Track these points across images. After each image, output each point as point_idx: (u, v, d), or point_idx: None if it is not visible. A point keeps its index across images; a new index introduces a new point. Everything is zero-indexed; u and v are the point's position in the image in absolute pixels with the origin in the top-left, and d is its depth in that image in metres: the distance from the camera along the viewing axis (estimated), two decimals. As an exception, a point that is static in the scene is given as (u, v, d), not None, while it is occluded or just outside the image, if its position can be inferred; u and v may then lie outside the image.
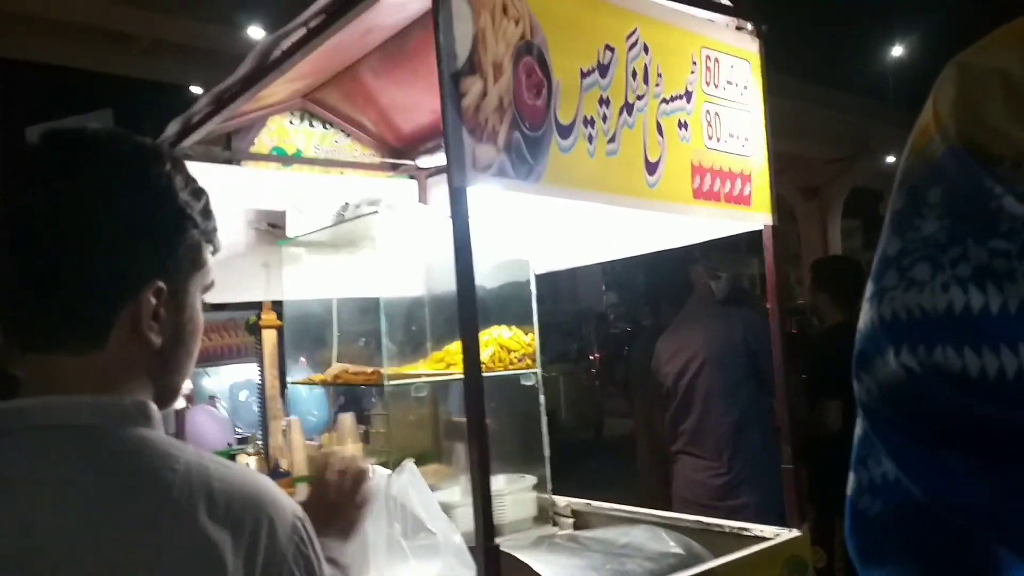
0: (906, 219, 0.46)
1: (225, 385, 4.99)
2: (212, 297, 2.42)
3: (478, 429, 1.21)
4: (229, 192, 2.38)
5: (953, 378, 0.41)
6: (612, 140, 1.41)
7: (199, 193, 0.86)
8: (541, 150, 1.29)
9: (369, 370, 2.08)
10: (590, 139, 1.37)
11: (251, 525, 0.71)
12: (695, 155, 1.56)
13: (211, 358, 5.06)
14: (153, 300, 0.77)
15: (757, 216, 1.68)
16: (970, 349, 0.41)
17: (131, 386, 0.77)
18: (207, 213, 0.87)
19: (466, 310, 1.24)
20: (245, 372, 4.24)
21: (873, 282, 0.47)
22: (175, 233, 0.81)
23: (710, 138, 1.59)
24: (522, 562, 1.48)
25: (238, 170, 2.48)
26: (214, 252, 0.89)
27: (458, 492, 2.13)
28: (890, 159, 11.49)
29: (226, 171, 2.45)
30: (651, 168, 1.48)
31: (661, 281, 3.04)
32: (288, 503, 0.76)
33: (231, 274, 2.34)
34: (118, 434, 0.74)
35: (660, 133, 1.49)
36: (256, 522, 0.71)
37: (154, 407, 0.78)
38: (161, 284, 0.78)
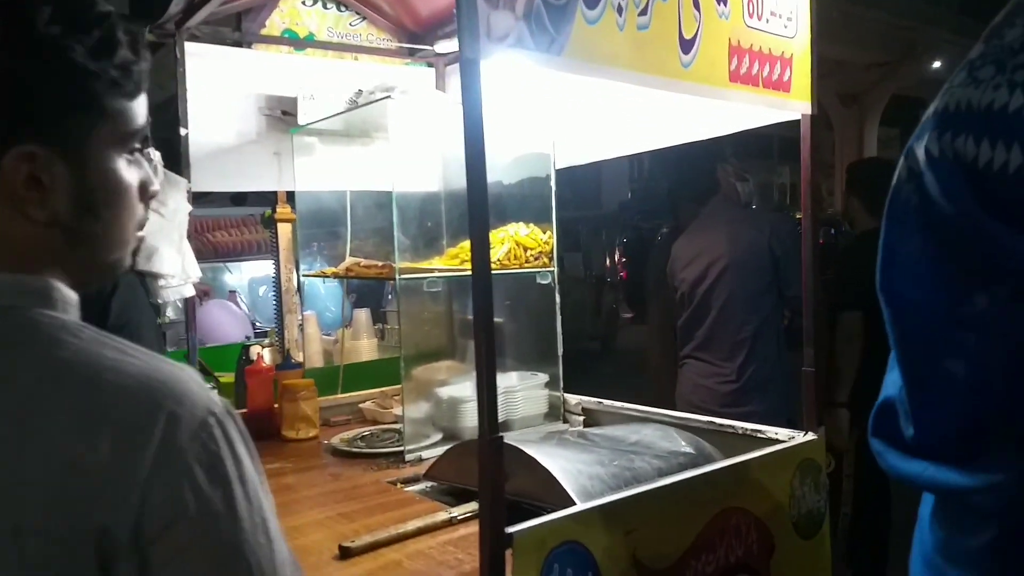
0: (998, 29, 0.48)
1: (245, 281, 5.03)
2: (221, 185, 2.37)
3: (485, 324, 1.16)
4: (238, 76, 2.28)
5: (962, 167, 0.46)
6: (644, 12, 1.29)
7: (91, 22, 0.67)
8: (564, 19, 1.18)
9: (380, 264, 2.04)
10: (619, 10, 1.25)
11: (141, 420, 0.61)
12: (733, 33, 1.43)
13: (231, 254, 5.07)
14: (24, 168, 0.64)
15: (796, 104, 1.56)
16: (987, 141, 0.46)
17: (38, 266, 0.68)
18: (108, 47, 0.67)
19: (476, 199, 1.16)
20: (265, 268, 4.24)
21: (947, 82, 0.51)
22: (46, 83, 0.64)
23: (750, 15, 1.45)
24: (527, 455, 1.47)
25: (248, 53, 2.37)
26: (133, 93, 0.71)
27: (469, 388, 2.11)
28: (936, 64, 10.87)
29: (235, 54, 2.34)
30: (686, 46, 1.36)
31: (686, 179, 2.90)
32: (204, 398, 0.65)
33: (241, 162, 2.28)
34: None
35: (696, 7, 1.36)
36: (149, 417, 0.61)
37: (61, 288, 0.68)
38: (32, 148, 0.64)
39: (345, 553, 1.30)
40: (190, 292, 2.06)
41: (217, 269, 5.24)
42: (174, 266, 1.98)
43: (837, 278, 2.80)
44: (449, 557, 1.29)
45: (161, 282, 1.97)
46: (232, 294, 4.81)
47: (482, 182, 1.14)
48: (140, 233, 0.76)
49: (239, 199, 5.46)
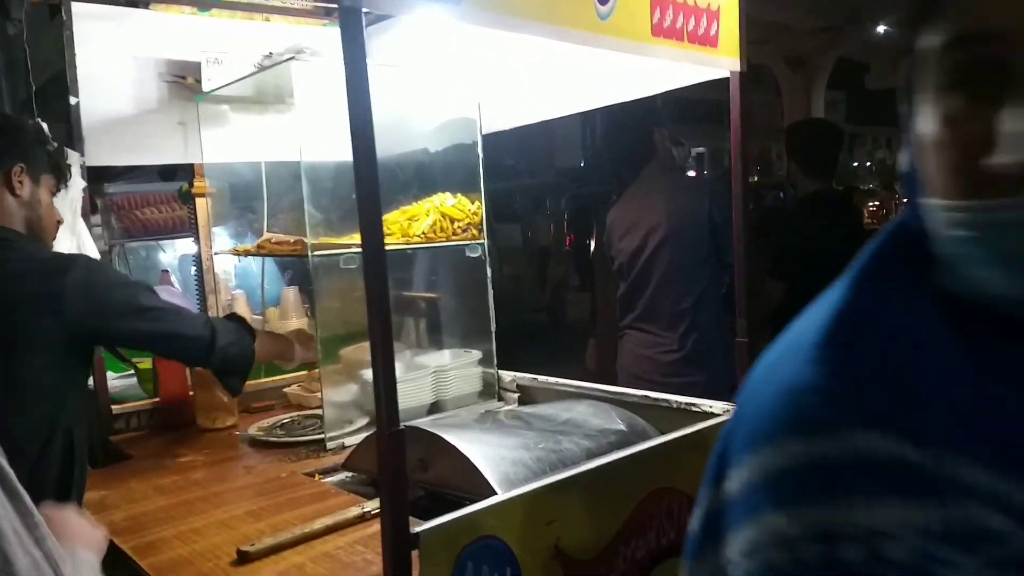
0: None
1: (176, 259, 4.80)
2: (119, 158, 2.19)
3: (379, 307, 1.05)
4: (134, 39, 2.09)
5: None
6: (551, -42, 1.17)
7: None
8: (459, -36, 1.06)
9: (293, 240, 1.90)
10: (523, -44, 1.13)
11: None
12: (653, -17, 1.32)
13: (162, 231, 4.83)
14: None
15: (724, 60, 1.46)
16: None
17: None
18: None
19: (364, 169, 1.05)
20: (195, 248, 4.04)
21: None
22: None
23: (671, -37, 1.35)
24: (447, 442, 1.37)
25: (145, 14, 2.17)
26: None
27: (400, 367, 2.00)
28: (880, 28, 10.96)
29: (130, 15, 2.14)
30: (600, -4, 1.25)
31: (624, 144, 2.79)
32: None
33: (142, 133, 2.11)
34: None
35: (610, -47, 1.25)
36: None
37: None
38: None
39: (243, 558, 1.19)
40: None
41: (149, 248, 4.99)
42: (68, 246, 1.81)
43: (775, 244, 2.76)
44: (357, 558, 1.19)
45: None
46: (165, 274, 4.58)
47: (368, 149, 1.03)
48: None
49: (168, 174, 5.19)
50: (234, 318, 1.75)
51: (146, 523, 1.38)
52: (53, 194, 1.55)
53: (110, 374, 2.18)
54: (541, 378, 2.03)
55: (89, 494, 1.50)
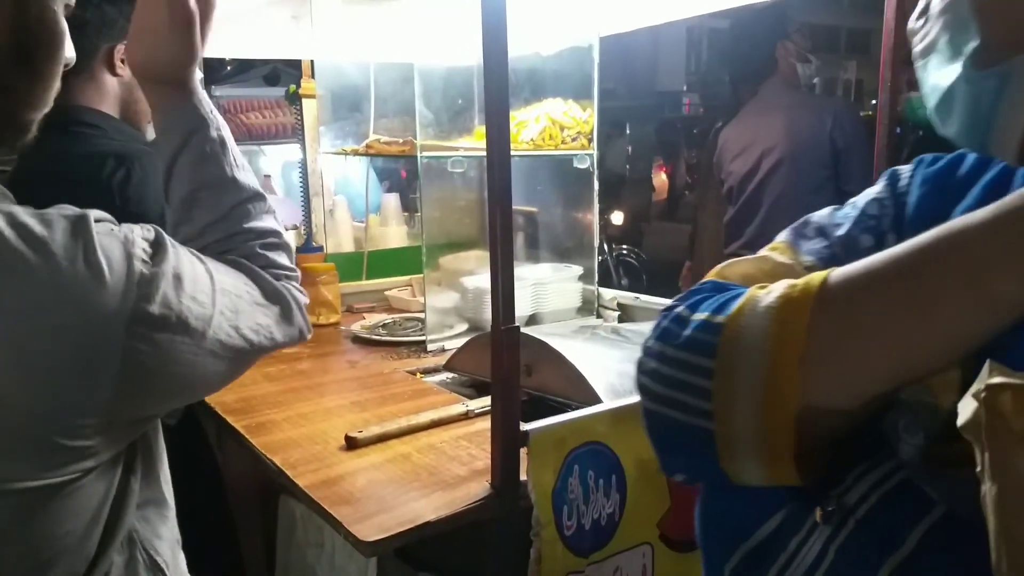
0: None
1: (279, 165, 4.91)
2: (232, 50, 2.19)
3: (502, 205, 1.02)
4: (252, -71, 2.06)
5: None
6: None
7: None
8: None
9: (402, 140, 1.88)
10: None
11: None
12: None
13: (265, 136, 4.93)
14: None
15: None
16: None
17: None
18: None
19: (493, 62, 0.99)
20: (299, 152, 4.12)
21: None
22: None
23: None
24: (553, 349, 1.35)
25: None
26: None
27: (499, 278, 1.99)
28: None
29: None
30: None
31: (743, 57, 2.61)
32: None
33: (257, 25, 2.10)
34: None
35: None
36: None
37: None
38: None
39: (351, 444, 1.22)
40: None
41: (252, 152, 5.11)
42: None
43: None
44: (462, 452, 1.20)
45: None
46: (267, 179, 4.70)
47: (502, 44, 0.97)
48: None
49: (272, 79, 5.27)
50: None
51: (256, 405, 1.43)
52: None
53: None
54: (643, 297, 1.98)
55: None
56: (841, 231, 0.63)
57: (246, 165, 0.87)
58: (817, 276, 0.50)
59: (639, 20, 1.94)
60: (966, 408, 0.40)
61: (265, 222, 0.85)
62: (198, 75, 0.85)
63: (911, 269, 0.47)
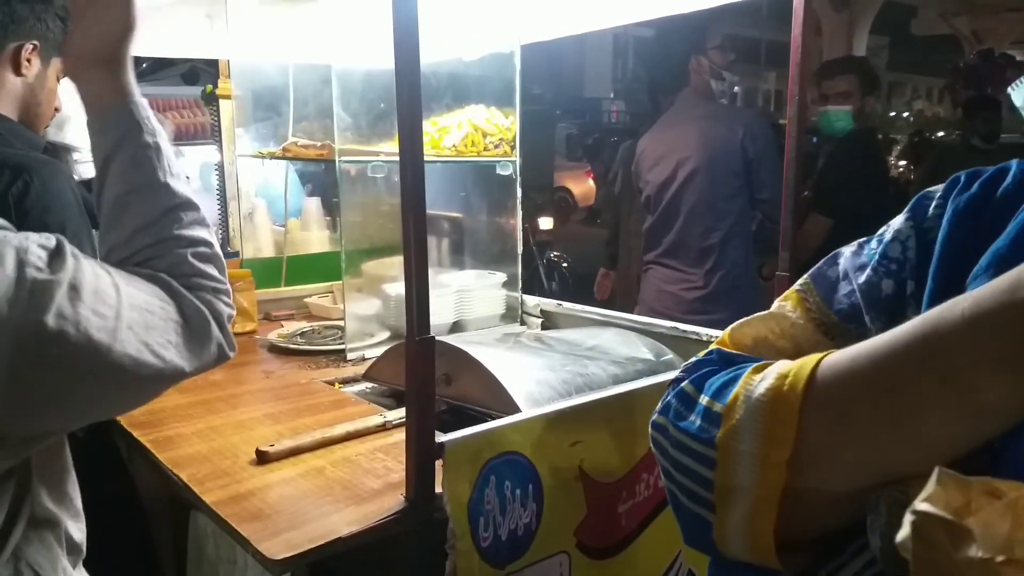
0: None
1: (196, 166, 4.75)
2: (143, 48, 2.11)
3: (415, 209, 1.00)
4: (162, -78, 1.98)
5: None
6: None
7: None
8: None
9: (320, 144, 1.84)
10: None
11: None
12: None
13: (183, 137, 4.75)
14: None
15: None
16: None
17: None
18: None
19: (405, 63, 0.98)
20: (216, 154, 3.98)
21: None
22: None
23: None
24: (472, 357, 1.34)
25: None
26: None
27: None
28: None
29: None
30: None
31: (660, 70, 2.67)
32: None
33: (169, 24, 2.02)
34: None
35: None
36: None
37: None
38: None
39: (262, 458, 1.18)
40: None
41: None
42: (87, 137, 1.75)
43: (815, 183, 2.69)
44: (377, 465, 1.18)
45: (75, 155, 1.75)
46: (185, 179, 4.54)
47: (413, 48, 0.96)
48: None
49: (191, 78, 5.09)
50: None
51: (164, 418, 1.37)
52: (59, 79, 1.39)
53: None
54: (567, 304, 1.99)
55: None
56: (863, 276, 0.60)
57: (181, 173, 0.85)
58: (806, 368, 0.49)
59: (559, 29, 1.96)
60: (904, 525, 0.37)
61: (196, 231, 0.84)
62: (132, 74, 0.85)
63: (894, 372, 0.45)
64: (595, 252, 6.25)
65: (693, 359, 0.62)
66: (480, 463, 1.05)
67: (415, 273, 1.00)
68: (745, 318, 0.64)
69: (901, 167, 5.95)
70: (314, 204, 2.78)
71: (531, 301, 2.08)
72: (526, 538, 1.11)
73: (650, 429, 0.60)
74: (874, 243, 0.62)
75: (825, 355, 0.50)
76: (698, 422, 0.55)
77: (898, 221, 0.60)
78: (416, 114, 1.00)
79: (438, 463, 1.02)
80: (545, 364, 1.40)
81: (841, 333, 0.59)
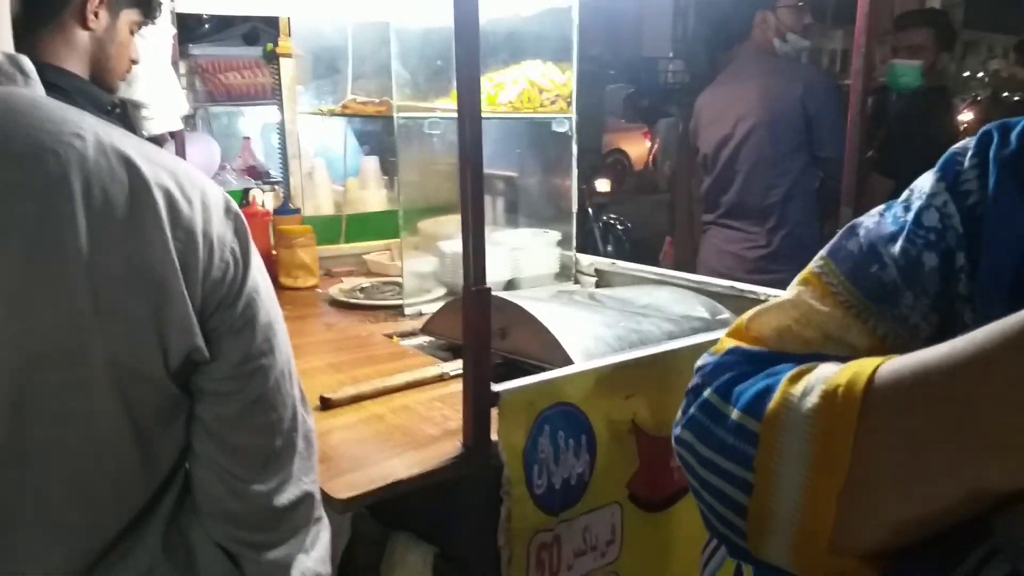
0: None
1: (258, 127, 4.84)
2: (209, 5, 2.14)
3: (473, 162, 1.01)
4: None
5: None
6: None
7: None
8: None
9: (378, 100, 1.86)
10: None
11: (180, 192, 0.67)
12: None
13: (244, 97, 4.84)
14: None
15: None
16: None
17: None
18: None
19: (464, 19, 0.97)
20: (277, 114, 4.05)
21: None
22: None
23: None
24: (527, 312, 1.36)
25: None
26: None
27: (477, 242, 1.98)
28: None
29: None
30: None
31: (720, 21, 2.59)
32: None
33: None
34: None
35: None
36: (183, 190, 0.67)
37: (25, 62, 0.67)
38: None
39: (326, 404, 1.22)
40: (177, 126, 1.91)
41: (231, 113, 5.02)
42: (158, 95, 1.81)
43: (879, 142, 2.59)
44: (435, 413, 1.21)
45: (144, 112, 1.81)
46: (246, 140, 4.63)
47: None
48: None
49: (251, 38, 5.17)
50: None
51: (233, 366, 1.43)
52: (133, 32, 1.39)
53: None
54: (620, 263, 1.99)
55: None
56: (896, 248, 0.52)
57: None
58: (860, 379, 0.43)
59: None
60: None
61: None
62: None
63: (964, 390, 0.38)
64: (653, 216, 6.19)
65: (708, 359, 0.56)
66: (535, 413, 1.07)
67: (472, 224, 1.02)
68: (761, 306, 0.58)
69: (966, 124, 5.67)
70: (372, 163, 2.82)
71: (585, 260, 2.08)
72: (579, 487, 1.13)
73: (674, 444, 0.55)
74: (898, 210, 0.55)
75: (880, 363, 0.43)
76: (730, 440, 0.49)
77: (927, 184, 0.54)
78: (474, 70, 1.00)
79: (494, 412, 1.05)
80: (600, 320, 1.41)
81: (874, 314, 0.52)
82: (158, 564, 0.71)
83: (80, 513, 0.67)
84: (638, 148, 9.08)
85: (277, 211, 2.16)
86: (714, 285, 1.70)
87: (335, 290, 1.97)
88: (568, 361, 1.27)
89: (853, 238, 0.56)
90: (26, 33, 1.19)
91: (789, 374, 0.48)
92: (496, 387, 1.04)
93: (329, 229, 2.43)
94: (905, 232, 0.52)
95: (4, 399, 0.60)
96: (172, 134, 1.94)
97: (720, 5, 2.65)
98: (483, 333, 1.03)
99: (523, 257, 2.03)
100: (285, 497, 0.75)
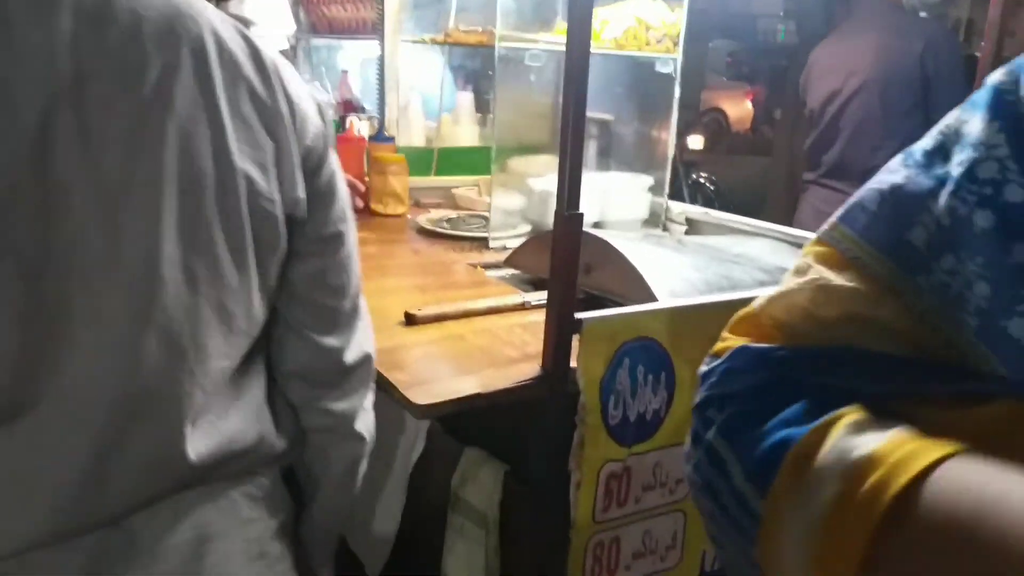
0: None
1: (358, 62, 4.90)
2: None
3: (577, 91, 0.99)
4: None
5: None
6: None
7: None
8: None
9: (481, 30, 1.84)
10: None
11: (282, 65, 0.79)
12: None
13: (345, 31, 4.90)
14: None
15: None
16: None
17: None
18: None
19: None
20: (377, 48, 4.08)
21: None
22: None
23: None
24: (614, 248, 1.34)
25: None
26: None
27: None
28: None
29: None
30: None
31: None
32: None
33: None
34: None
35: None
36: (282, 67, 0.79)
37: None
38: None
39: (410, 320, 1.25)
40: (283, 45, 1.95)
41: (331, 47, 5.11)
42: (266, 13, 1.85)
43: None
44: (515, 338, 1.22)
45: (254, 29, 1.85)
46: (344, 74, 4.71)
47: None
48: None
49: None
50: None
51: (324, 279, 1.48)
52: None
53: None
54: (713, 212, 1.93)
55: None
56: (939, 206, 0.42)
57: None
58: (896, 480, 0.35)
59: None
60: None
61: None
62: None
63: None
64: (747, 179, 5.97)
65: (713, 365, 0.49)
66: (616, 344, 1.07)
67: (570, 149, 1.00)
68: (772, 291, 0.50)
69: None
70: (467, 99, 2.81)
71: (676, 207, 2.04)
72: (654, 423, 1.12)
73: (685, 477, 0.50)
74: (930, 160, 0.45)
75: (929, 463, 0.34)
76: (733, 506, 0.43)
77: (977, 128, 0.43)
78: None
79: (575, 341, 1.05)
80: (689, 263, 1.38)
81: (909, 286, 0.43)
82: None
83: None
84: (738, 108, 8.72)
85: (372, 138, 2.20)
86: (811, 239, 1.63)
87: (423, 219, 1.99)
88: (653, 299, 1.26)
89: (872, 198, 0.46)
90: None
91: (807, 432, 0.40)
92: (579, 315, 1.04)
93: (420, 161, 2.45)
94: (953, 187, 0.42)
95: (170, 221, 0.69)
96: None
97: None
98: (571, 258, 1.03)
99: (612, 199, 2.00)
100: (351, 355, 0.87)
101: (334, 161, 0.84)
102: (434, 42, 2.07)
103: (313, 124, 0.81)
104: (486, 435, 1.19)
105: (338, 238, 0.84)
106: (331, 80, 4.60)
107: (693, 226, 1.98)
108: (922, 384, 0.42)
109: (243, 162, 0.73)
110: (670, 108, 1.99)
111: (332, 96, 4.08)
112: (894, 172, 0.47)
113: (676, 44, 1.88)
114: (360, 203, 2.03)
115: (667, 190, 2.04)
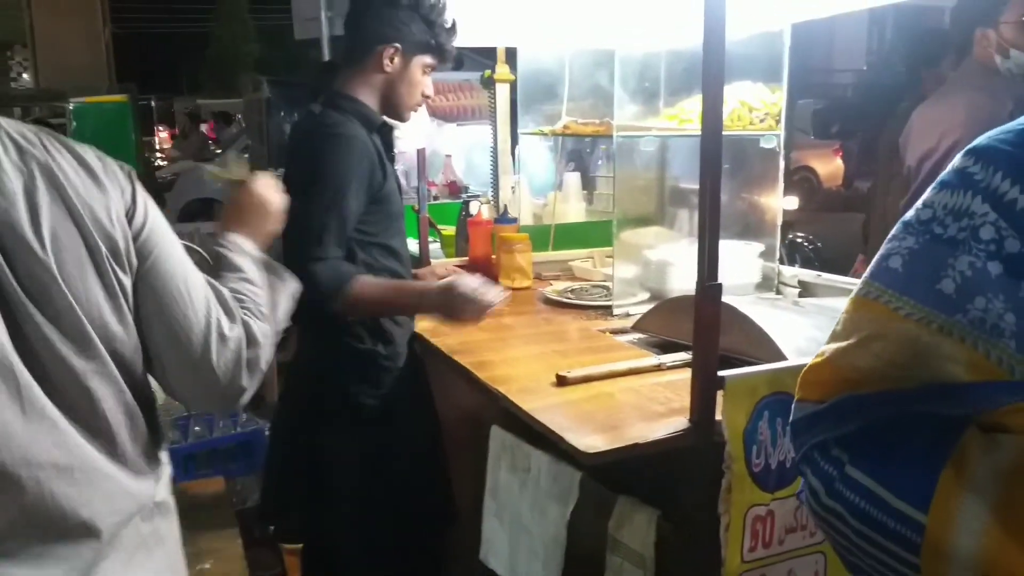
0: None
1: (460, 145, 5.26)
2: (462, 39, 2.42)
3: (712, 173, 1.15)
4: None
5: None
6: None
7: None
8: None
9: (598, 121, 2.05)
10: None
11: None
12: None
13: (448, 118, 5.29)
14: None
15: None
16: None
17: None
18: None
19: (712, 53, 1.13)
20: (479, 133, 4.39)
21: None
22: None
23: None
24: (740, 312, 1.47)
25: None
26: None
27: (678, 251, 2.12)
28: None
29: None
30: None
31: (932, 38, 2.54)
32: None
33: (462, 15, 2.33)
34: None
35: None
36: None
37: None
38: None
39: (561, 381, 1.41)
40: (422, 144, 2.22)
41: (435, 132, 5.49)
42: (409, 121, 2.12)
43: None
44: (658, 395, 1.36)
45: (396, 132, 2.12)
46: (447, 158, 5.06)
47: (719, 35, 1.10)
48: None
49: (456, 63, 5.64)
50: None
51: (475, 348, 1.67)
52: (425, 73, 1.65)
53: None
54: (825, 275, 2.03)
55: (423, 322, 1.82)
56: (960, 262, 0.56)
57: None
58: None
59: (829, 7, 1.98)
60: None
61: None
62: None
63: None
64: (843, 236, 5.95)
65: (810, 411, 0.60)
66: (756, 398, 1.19)
67: (708, 227, 1.16)
68: (827, 350, 0.62)
69: None
70: (574, 179, 3.03)
71: (788, 271, 2.15)
72: (793, 470, 1.23)
73: (813, 512, 0.59)
74: (932, 227, 0.58)
75: None
76: (891, 524, 0.53)
77: (966, 203, 0.58)
78: (718, 89, 1.15)
79: (719, 396, 1.18)
80: (811, 323, 1.49)
81: (952, 324, 0.55)
82: None
83: None
84: (828, 165, 8.72)
85: (497, 220, 2.42)
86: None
87: (549, 291, 2.18)
88: (782, 358, 1.38)
89: (895, 260, 0.60)
90: (343, 69, 1.57)
91: (951, 460, 0.52)
92: (722, 373, 1.17)
93: (538, 237, 2.66)
94: (966, 248, 0.56)
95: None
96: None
97: (924, 17, 2.60)
98: (713, 323, 1.17)
99: (725, 266, 2.12)
100: None
101: None
102: (553, 133, 2.29)
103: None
104: (636, 483, 1.32)
105: None
106: (436, 164, 4.92)
107: (806, 288, 2.08)
108: (994, 398, 0.54)
109: None
110: (776, 179, 2.13)
111: (439, 178, 4.42)
112: (903, 240, 0.60)
113: (778, 122, 2.03)
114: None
115: (778, 255, 2.16)
